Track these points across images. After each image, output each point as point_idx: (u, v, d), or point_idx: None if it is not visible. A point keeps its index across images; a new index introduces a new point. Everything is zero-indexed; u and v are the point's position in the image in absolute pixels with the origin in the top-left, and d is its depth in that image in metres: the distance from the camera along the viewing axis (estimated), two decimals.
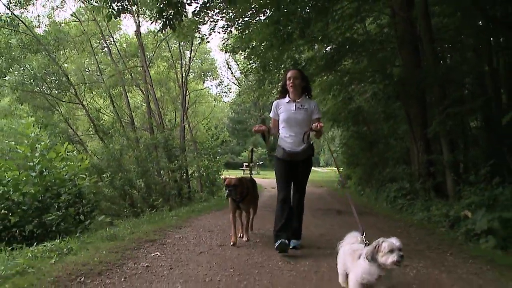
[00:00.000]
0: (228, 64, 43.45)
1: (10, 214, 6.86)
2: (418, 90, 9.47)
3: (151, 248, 4.95)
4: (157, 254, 4.66)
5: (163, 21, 8.30)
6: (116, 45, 18.10)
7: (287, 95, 5.20)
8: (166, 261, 4.32)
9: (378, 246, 2.88)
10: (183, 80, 17.12)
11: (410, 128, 10.77)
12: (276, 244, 4.79)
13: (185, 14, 8.83)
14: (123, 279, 3.65)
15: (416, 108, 10.08)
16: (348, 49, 11.77)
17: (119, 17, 8.71)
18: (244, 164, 38.08)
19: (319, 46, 12.55)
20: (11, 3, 14.17)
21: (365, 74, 12.79)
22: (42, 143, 7.73)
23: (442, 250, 5.17)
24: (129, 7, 8.67)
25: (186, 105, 17.60)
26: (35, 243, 5.20)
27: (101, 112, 17.64)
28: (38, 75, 14.76)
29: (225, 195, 5.52)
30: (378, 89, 12.16)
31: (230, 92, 31.33)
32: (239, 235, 5.73)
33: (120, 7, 8.27)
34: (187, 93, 17.88)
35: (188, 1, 8.79)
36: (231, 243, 5.26)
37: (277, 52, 11.28)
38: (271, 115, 5.38)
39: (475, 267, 4.33)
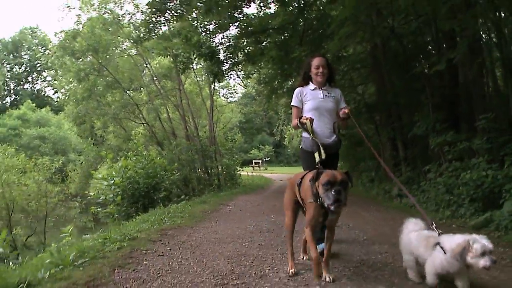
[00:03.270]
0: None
1: (133, 195, 11.94)
2: (383, 107, 13.89)
3: (226, 206, 9.98)
4: (230, 207, 9.72)
5: (212, 76, 13.38)
6: (153, 70, 22.82)
7: (310, 82, 4.70)
8: (236, 209, 9.34)
9: (468, 247, 2.78)
10: (211, 99, 21.89)
11: (376, 133, 15.70)
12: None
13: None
14: (224, 213, 8.69)
15: (382, 118, 14.68)
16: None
17: (184, 73, 13.86)
18: (254, 161, 42.43)
19: None
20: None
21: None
22: (145, 152, 12.86)
23: (372, 204, 10.10)
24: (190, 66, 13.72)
25: (213, 118, 22.29)
26: (154, 208, 10.21)
27: (153, 127, 22.56)
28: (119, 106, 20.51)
29: (328, 201, 3.26)
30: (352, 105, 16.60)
31: (237, 93, 35.57)
32: (301, 257, 4.32)
33: (185, 67, 13.34)
34: (215, 108, 22.70)
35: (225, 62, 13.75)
36: (290, 271, 3.78)
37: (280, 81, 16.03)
38: (294, 103, 4.72)
39: (379, 209, 9.26)
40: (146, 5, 10.64)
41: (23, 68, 70.67)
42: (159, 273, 3.69)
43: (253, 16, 13.20)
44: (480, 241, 2.76)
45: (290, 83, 15.97)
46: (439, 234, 3.09)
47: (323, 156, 3.88)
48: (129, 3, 20.84)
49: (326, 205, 3.26)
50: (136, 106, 20.88)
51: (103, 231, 6.29)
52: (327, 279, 3.47)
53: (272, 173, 33.58)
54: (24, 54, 70.46)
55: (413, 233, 3.39)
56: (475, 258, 2.72)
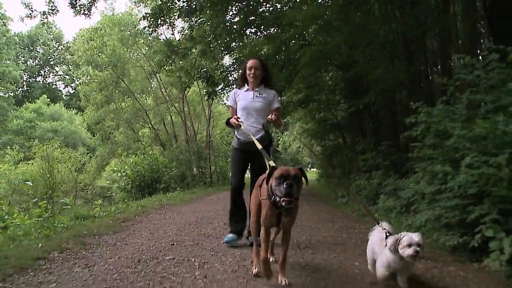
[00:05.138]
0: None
1: (139, 185, 15.33)
2: (350, 126, 17.27)
3: (209, 196, 13.32)
4: (212, 197, 13.07)
5: (207, 95, 16.71)
6: (161, 78, 26.21)
7: (245, 84, 5.09)
8: (216, 198, 12.64)
9: (399, 240, 3.13)
10: (209, 108, 25.32)
11: (345, 147, 19.06)
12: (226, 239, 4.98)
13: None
14: (205, 200, 12.05)
15: (349, 134, 18.11)
16: (312, 95, 19.77)
17: (186, 90, 17.23)
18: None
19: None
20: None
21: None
22: (150, 152, 16.28)
23: (319, 202, 13.39)
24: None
25: (210, 124, 25.69)
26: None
27: (158, 130, 26.07)
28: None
29: (279, 194, 3.19)
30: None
31: None
32: (271, 259, 4.11)
33: (187, 86, 16.68)
34: (212, 115, 26.10)
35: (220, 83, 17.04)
36: (254, 270, 3.75)
37: None
38: (229, 103, 5.21)
39: (327, 206, 12.48)
40: (161, 50, 14.30)
41: (36, 61, 73.83)
42: (158, 219, 7.13)
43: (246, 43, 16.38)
44: (408, 235, 3.11)
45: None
46: (386, 235, 3.36)
47: (273, 164, 3.76)
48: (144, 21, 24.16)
49: (278, 200, 3.20)
50: (145, 112, 24.50)
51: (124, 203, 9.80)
52: (283, 283, 3.37)
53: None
54: (39, 48, 73.61)
55: (375, 233, 3.68)
56: (403, 249, 3.06)
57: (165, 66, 14.35)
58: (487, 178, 4.04)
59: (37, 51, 73.42)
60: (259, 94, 4.95)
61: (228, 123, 4.95)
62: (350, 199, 11.87)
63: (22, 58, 70.25)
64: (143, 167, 15.27)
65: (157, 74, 24.91)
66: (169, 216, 7.56)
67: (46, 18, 13.02)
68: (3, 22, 50.84)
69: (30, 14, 13.07)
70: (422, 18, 9.97)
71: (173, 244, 4.97)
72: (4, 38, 50.73)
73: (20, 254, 3.86)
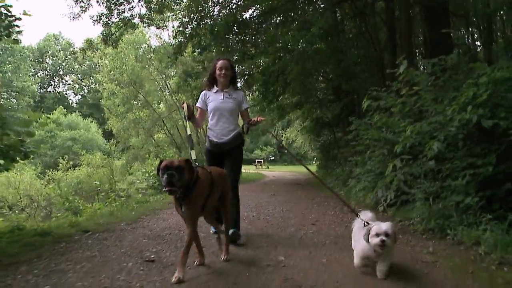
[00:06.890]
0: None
1: None
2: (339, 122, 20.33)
3: None
4: None
5: None
6: (171, 87, 29.39)
7: (214, 85, 5.13)
8: None
9: (370, 229, 3.32)
10: None
11: (335, 141, 22.13)
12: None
13: None
14: None
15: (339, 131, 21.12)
16: (305, 99, 22.76)
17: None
18: (257, 160, 46.22)
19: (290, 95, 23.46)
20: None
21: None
22: (171, 155, 19.52)
23: (314, 189, 16.37)
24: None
25: None
26: None
27: (173, 135, 29.35)
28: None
29: (163, 184, 3.32)
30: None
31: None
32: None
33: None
34: None
35: None
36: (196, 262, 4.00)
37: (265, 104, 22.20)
38: (198, 105, 5.17)
39: (316, 191, 15.30)
40: (178, 77, 17.79)
41: (46, 72, 76.04)
42: None
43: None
44: (377, 225, 3.32)
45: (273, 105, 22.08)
46: (364, 224, 3.56)
47: (194, 156, 4.06)
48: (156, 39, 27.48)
49: (164, 189, 3.34)
50: (162, 121, 27.92)
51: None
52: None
53: (271, 171, 37.76)
54: (48, 60, 76.18)
55: (356, 223, 3.89)
56: (372, 238, 3.27)
57: (182, 87, 17.76)
58: (383, 163, 7.22)
59: (46, 62, 75.79)
60: (229, 95, 5.07)
61: (186, 118, 4.87)
62: (334, 185, 14.90)
63: (33, 70, 72.58)
64: None
65: (168, 83, 28.31)
66: None
67: (85, 52, 16.34)
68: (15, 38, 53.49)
69: (73, 51, 16.40)
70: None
71: None
72: (20, 54, 53.69)
73: (126, 216, 7.14)
